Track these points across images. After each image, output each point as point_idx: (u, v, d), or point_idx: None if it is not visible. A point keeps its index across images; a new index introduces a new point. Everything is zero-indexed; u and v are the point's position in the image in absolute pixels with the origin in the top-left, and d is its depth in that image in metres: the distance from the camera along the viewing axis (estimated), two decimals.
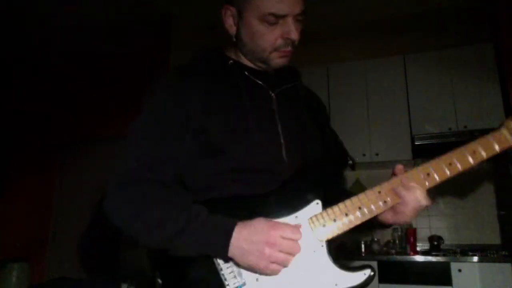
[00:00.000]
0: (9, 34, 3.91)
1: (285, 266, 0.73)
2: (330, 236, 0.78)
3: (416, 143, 3.03)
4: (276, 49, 0.86)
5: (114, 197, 0.81)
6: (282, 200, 0.79)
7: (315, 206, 0.79)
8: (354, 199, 0.80)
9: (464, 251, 2.77)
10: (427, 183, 0.81)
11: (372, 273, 0.77)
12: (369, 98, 3.32)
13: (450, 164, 0.82)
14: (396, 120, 3.19)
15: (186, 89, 0.85)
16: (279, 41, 0.85)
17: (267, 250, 0.70)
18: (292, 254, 0.73)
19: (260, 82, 0.92)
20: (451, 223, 3.14)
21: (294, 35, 0.84)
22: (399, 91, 3.25)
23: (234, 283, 0.73)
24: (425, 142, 3.02)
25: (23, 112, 4.73)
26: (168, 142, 0.82)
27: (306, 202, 0.79)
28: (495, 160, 3.14)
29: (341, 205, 0.79)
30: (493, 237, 2.99)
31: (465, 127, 2.98)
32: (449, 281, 2.49)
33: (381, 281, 2.60)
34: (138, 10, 3.60)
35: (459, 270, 2.49)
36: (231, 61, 0.92)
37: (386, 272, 2.63)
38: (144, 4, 3.51)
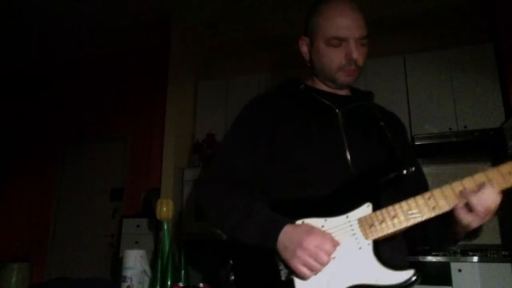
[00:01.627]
0: (9, 34, 3.91)
1: (313, 271, 0.80)
2: (376, 236, 0.83)
3: (416, 143, 3.03)
4: (341, 68, 0.99)
5: (203, 189, 1.03)
6: (337, 201, 0.89)
7: (366, 208, 0.86)
8: (404, 203, 0.84)
9: (464, 251, 2.77)
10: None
11: (414, 277, 0.80)
12: None
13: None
14: None
15: (263, 110, 1.04)
16: (343, 61, 0.98)
17: (299, 252, 0.79)
18: (320, 263, 0.79)
19: (327, 102, 1.04)
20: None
21: (356, 55, 0.96)
22: (399, 91, 3.25)
23: (286, 271, 0.84)
24: (425, 142, 3.02)
25: (23, 113, 4.73)
26: (246, 152, 1.01)
27: (357, 204, 0.87)
28: (494, 160, 3.15)
29: (390, 208, 0.85)
30: (493, 237, 2.99)
31: (465, 127, 2.98)
32: (449, 281, 2.49)
33: None
34: (138, 10, 3.60)
35: (459, 270, 2.49)
36: (302, 86, 1.07)
37: None
38: (144, 4, 3.51)
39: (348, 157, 0.95)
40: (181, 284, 1.20)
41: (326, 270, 0.82)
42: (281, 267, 0.84)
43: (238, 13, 3.56)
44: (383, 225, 0.84)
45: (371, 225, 0.84)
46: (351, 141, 0.98)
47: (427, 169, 3.31)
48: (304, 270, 0.79)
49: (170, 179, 3.40)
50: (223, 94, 3.71)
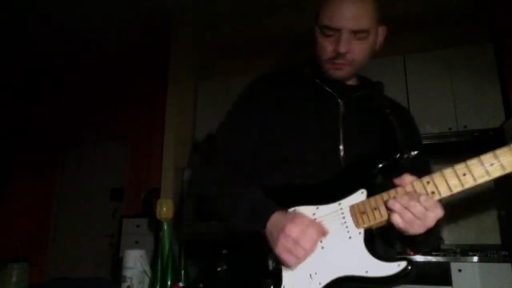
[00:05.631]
0: (9, 34, 3.91)
1: (297, 259, 0.76)
2: (367, 225, 0.78)
3: None
4: (330, 60, 0.93)
5: (204, 171, 1.01)
6: (330, 189, 0.85)
7: (360, 194, 0.81)
8: (400, 189, 0.77)
9: (464, 251, 2.77)
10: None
11: (408, 267, 0.73)
12: None
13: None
14: None
15: (264, 94, 1.02)
16: (332, 54, 0.92)
17: (282, 238, 0.77)
18: (303, 249, 0.76)
19: (329, 90, 0.99)
20: (451, 223, 3.14)
21: (343, 48, 0.89)
22: (399, 91, 3.24)
23: (274, 261, 0.81)
24: (425, 142, 3.00)
25: (24, 113, 4.73)
26: (244, 137, 1.00)
27: (351, 191, 0.82)
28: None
29: (384, 194, 0.78)
30: (493, 237, 2.99)
31: (465, 127, 2.98)
32: (449, 281, 2.49)
33: None
34: (138, 10, 3.60)
35: (459, 270, 2.49)
36: (306, 70, 1.04)
37: None
38: (144, 4, 3.51)
39: (341, 149, 0.92)
40: (181, 284, 1.20)
41: (313, 260, 0.78)
42: (270, 256, 0.82)
43: (238, 13, 3.56)
44: (376, 212, 0.78)
45: (363, 213, 0.79)
46: (348, 133, 0.94)
47: None
48: (287, 257, 0.76)
49: (170, 179, 3.40)
50: (223, 94, 3.70)
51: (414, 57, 3.28)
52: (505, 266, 2.42)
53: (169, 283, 1.25)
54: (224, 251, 0.89)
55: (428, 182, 0.76)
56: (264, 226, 0.81)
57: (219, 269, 0.88)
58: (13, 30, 3.84)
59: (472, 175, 0.73)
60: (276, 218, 0.81)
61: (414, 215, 0.73)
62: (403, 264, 0.73)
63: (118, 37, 4.05)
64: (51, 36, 3.99)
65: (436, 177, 0.75)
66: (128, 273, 1.31)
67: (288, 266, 0.78)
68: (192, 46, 3.87)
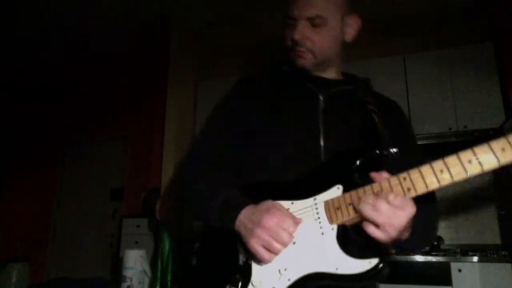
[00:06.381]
0: (9, 34, 3.91)
1: (272, 253, 0.75)
2: (341, 221, 0.75)
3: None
4: (291, 49, 0.96)
5: (184, 171, 1.00)
6: (306, 184, 0.83)
7: (336, 190, 0.79)
8: (375, 185, 0.74)
9: (464, 251, 2.77)
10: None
11: (380, 264, 0.68)
12: None
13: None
14: None
15: (246, 94, 1.02)
16: (290, 42, 0.95)
17: (258, 231, 0.75)
18: (280, 243, 0.75)
19: (309, 85, 0.98)
20: (451, 223, 3.14)
21: (296, 35, 0.92)
22: (399, 91, 3.24)
23: (244, 255, 0.80)
24: (425, 142, 3.02)
25: (24, 112, 4.73)
26: (226, 137, 0.99)
27: (327, 187, 0.81)
28: None
29: (360, 190, 0.75)
30: (493, 237, 2.99)
31: (465, 127, 2.98)
32: (449, 281, 2.49)
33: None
34: (138, 10, 3.60)
35: (459, 270, 2.49)
36: (285, 67, 1.03)
37: None
38: (144, 4, 3.51)
39: (322, 145, 0.90)
40: None
41: (283, 256, 0.76)
42: (241, 250, 0.80)
43: (238, 13, 3.56)
44: (350, 208, 0.75)
45: (337, 208, 0.76)
46: (328, 128, 0.92)
47: None
48: (262, 251, 0.75)
49: (170, 179, 3.40)
50: (223, 94, 3.70)
51: (414, 57, 3.28)
52: (505, 266, 2.42)
53: (169, 283, 1.25)
54: (196, 245, 0.89)
55: (404, 178, 0.72)
56: (234, 219, 0.80)
57: (192, 262, 0.88)
58: (13, 30, 3.84)
59: (450, 172, 0.69)
60: (248, 210, 0.80)
61: (382, 215, 0.68)
62: (374, 261, 0.69)
63: (118, 37, 4.05)
64: (51, 36, 3.98)
65: (413, 173, 0.71)
66: (128, 273, 1.31)
67: (263, 260, 0.76)
68: (192, 46, 3.87)
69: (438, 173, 0.70)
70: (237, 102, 1.02)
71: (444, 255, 2.62)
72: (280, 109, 0.96)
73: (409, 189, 0.71)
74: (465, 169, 0.68)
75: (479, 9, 3.26)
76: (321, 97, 0.96)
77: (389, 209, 0.68)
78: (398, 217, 0.68)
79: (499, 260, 2.46)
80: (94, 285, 1.42)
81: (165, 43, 3.75)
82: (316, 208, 0.79)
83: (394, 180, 0.73)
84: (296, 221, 0.77)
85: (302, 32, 0.92)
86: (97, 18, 3.68)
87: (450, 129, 3.02)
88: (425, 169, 0.71)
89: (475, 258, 2.50)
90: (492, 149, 0.67)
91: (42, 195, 4.40)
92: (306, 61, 0.95)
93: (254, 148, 0.95)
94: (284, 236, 0.74)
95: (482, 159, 0.68)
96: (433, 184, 0.70)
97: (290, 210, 0.80)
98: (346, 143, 0.87)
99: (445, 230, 3.11)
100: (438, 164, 0.70)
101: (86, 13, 3.58)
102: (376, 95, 1.03)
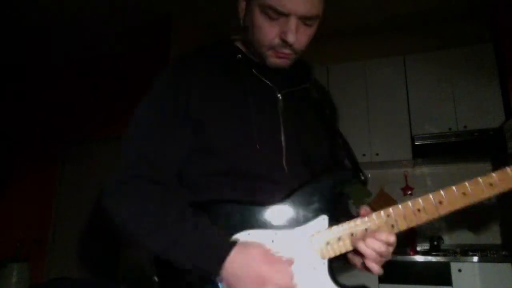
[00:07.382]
0: (9, 34, 3.91)
1: None
2: (332, 255, 0.76)
3: (416, 143, 3.03)
4: (272, 47, 0.79)
5: (113, 194, 0.76)
6: (287, 212, 0.76)
7: (321, 221, 0.77)
8: (364, 219, 0.77)
9: (464, 251, 2.77)
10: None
11: None
12: (369, 98, 3.32)
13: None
14: (396, 120, 3.19)
15: (188, 81, 0.80)
16: (277, 40, 0.78)
17: (266, 280, 0.67)
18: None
19: (268, 82, 0.86)
20: (451, 223, 3.14)
21: (291, 38, 0.75)
22: (399, 91, 3.25)
23: None
24: (425, 142, 3.02)
25: (24, 112, 4.73)
26: (168, 137, 0.78)
27: (312, 217, 0.77)
28: (494, 160, 3.14)
29: (348, 223, 0.77)
30: (493, 237, 2.99)
31: (465, 127, 2.98)
32: (449, 281, 2.49)
33: (381, 281, 2.60)
34: (138, 10, 3.60)
35: (459, 270, 2.49)
36: (239, 56, 0.87)
37: (386, 272, 2.60)
38: (144, 4, 3.51)
39: (284, 157, 0.82)
40: None
41: None
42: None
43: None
44: (341, 243, 0.76)
45: (327, 243, 0.75)
46: (289, 136, 0.84)
47: (427, 169, 3.31)
48: None
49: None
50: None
51: (414, 57, 3.28)
52: (505, 266, 2.43)
53: None
54: (155, 279, 0.74)
55: (388, 215, 0.77)
56: (220, 268, 0.67)
57: None
58: (13, 30, 3.84)
59: (426, 211, 0.77)
60: (238, 256, 0.68)
61: (381, 256, 0.77)
62: None
63: (118, 37, 4.05)
64: (51, 36, 3.98)
65: (395, 210, 0.78)
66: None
67: None
68: (192, 46, 3.87)
69: (416, 212, 0.78)
70: (177, 92, 0.80)
71: (444, 255, 2.62)
72: (240, 108, 0.81)
73: (392, 226, 0.78)
74: (437, 209, 0.78)
75: (479, 9, 3.26)
76: (279, 96, 0.86)
77: (388, 248, 0.77)
78: (391, 251, 0.79)
79: (499, 260, 2.46)
80: (94, 285, 1.42)
81: (165, 43, 3.74)
82: (305, 242, 0.75)
83: (378, 217, 0.78)
84: (291, 263, 0.71)
85: (296, 33, 0.76)
86: (97, 18, 3.68)
87: (450, 129, 3.02)
88: (406, 207, 0.78)
89: (475, 258, 2.50)
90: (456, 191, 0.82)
91: (42, 195, 4.40)
92: (286, 63, 0.83)
93: (213, 156, 0.78)
94: (290, 283, 0.69)
95: (447, 201, 0.81)
96: (412, 222, 0.78)
97: (275, 242, 0.74)
98: (305, 150, 0.86)
99: (445, 230, 3.11)
100: (415, 203, 0.78)
101: (86, 13, 3.58)
102: (318, 87, 0.99)
